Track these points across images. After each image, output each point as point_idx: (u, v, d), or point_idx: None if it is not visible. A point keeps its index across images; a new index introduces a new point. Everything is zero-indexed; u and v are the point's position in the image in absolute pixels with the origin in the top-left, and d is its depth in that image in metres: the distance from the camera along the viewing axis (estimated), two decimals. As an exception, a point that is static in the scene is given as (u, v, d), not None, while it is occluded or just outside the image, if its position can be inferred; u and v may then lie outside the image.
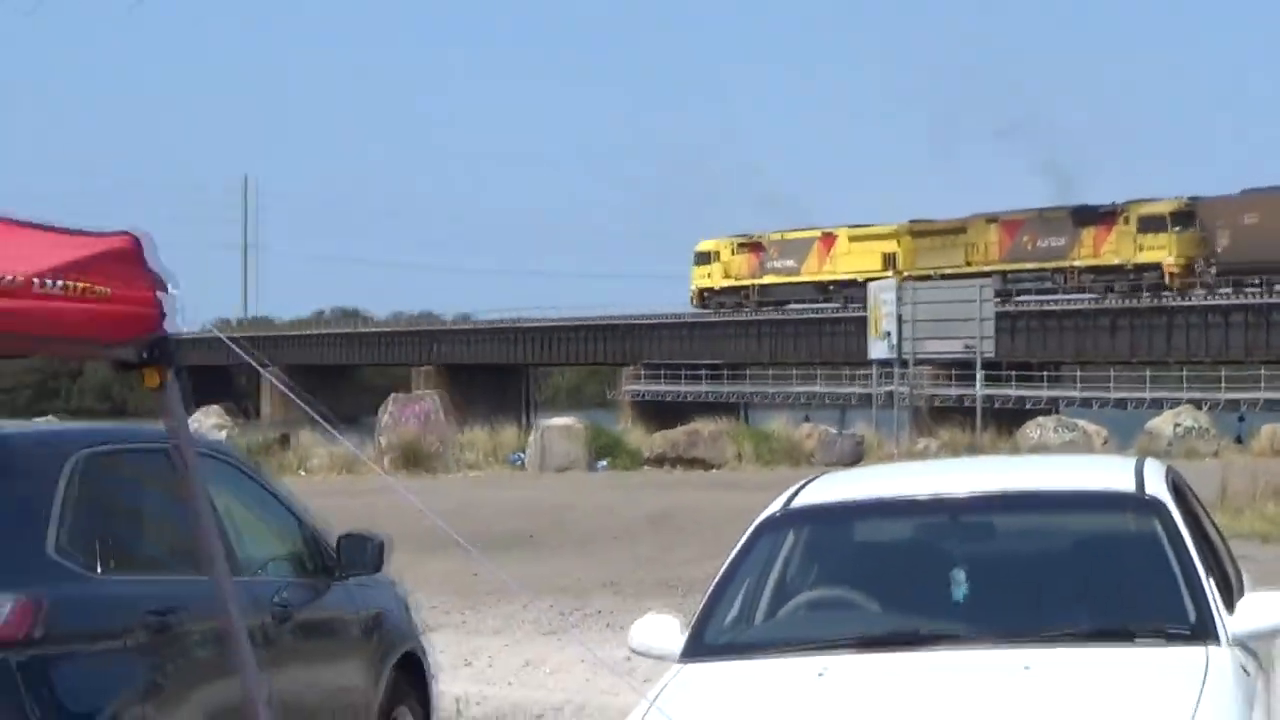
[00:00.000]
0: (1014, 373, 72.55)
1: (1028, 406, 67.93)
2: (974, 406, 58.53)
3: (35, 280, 3.16)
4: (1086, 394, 74.37)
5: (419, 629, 10.61)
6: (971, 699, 7.08)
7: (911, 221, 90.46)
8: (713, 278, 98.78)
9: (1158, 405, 63.86)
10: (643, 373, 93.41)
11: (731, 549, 8.76)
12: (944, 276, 79.40)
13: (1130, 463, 9.62)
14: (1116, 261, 74.81)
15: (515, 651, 17.64)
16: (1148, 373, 75.47)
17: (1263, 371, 69.64)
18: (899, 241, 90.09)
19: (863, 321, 63.09)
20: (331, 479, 44.42)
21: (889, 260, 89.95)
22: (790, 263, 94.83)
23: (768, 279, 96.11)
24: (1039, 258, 76.67)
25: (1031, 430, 55.80)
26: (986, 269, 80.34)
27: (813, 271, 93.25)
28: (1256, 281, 75.58)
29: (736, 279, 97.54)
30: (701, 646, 7.99)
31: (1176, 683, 7.03)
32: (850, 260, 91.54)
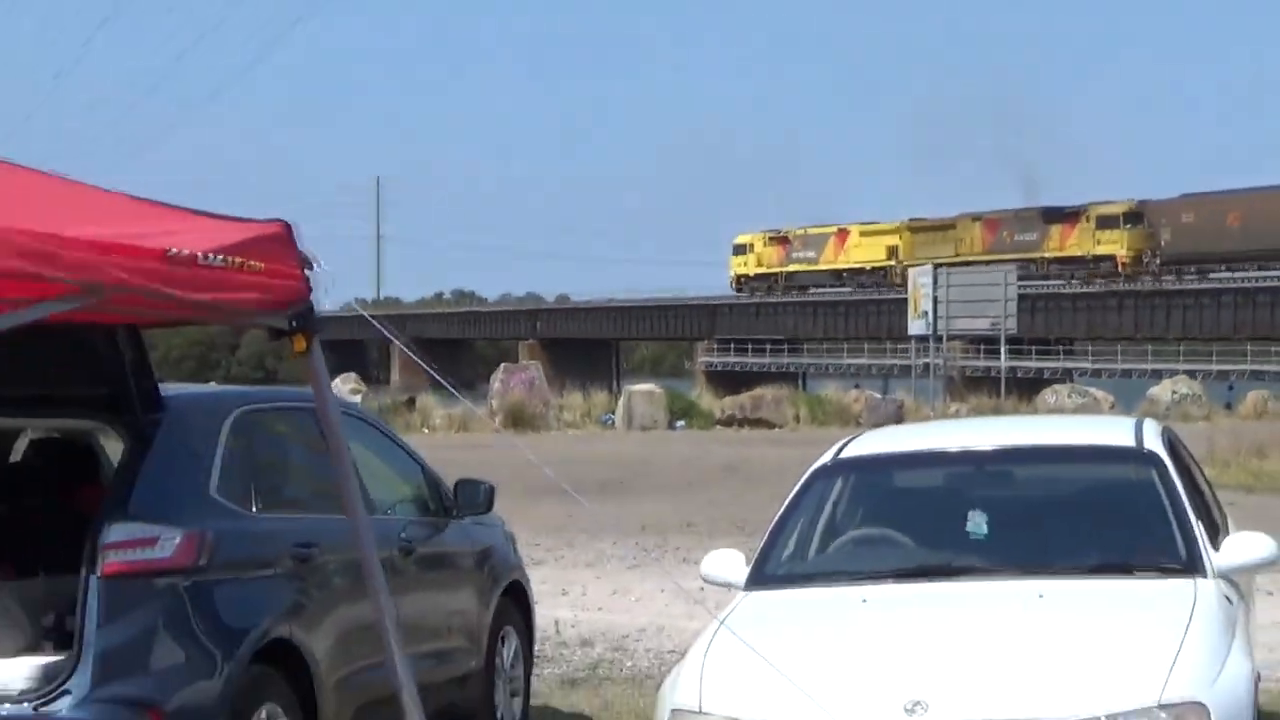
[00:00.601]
0: (1034, 347, 72.37)
1: (1045, 376, 67.58)
2: (999, 376, 58.30)
3: (199, 255, 3.19)
4: (1096, 365, 74.07)
5: (522, 562, 10.64)
6: (993, 622, 7.13)
7: (910, 220, 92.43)
8: (748, 266, 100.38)
9: (1157, 375, 63.62)
10: (715, 346, 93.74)
11: (788, 494, 8.81)
12: (938, 266, 79.56)
13: (1131, 423, 9.61)
14: (1079, 254, 76.32)
15: (605, 582, 17.68)
16: (1149, 348, 75.46)
17: (1249, 347, 69.37)
18: (900, 236, 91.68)
19: (903, 303, 63.12)
20: (449, 436, 44.55)
21: (892, 252, 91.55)
22: (811, 254, 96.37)
23: (793, 267, 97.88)
24: (1015, 250, 77.93)
25: (1048, 396, 55.80)
26: (972, 259, 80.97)
27: (829, 261, 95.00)
28: (1193, 271, 77.47)
29: (767, 267, 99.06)
30: (763, 577, 8.06)
31: (1169, 609, 7.04)
32: (860, 252, 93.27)
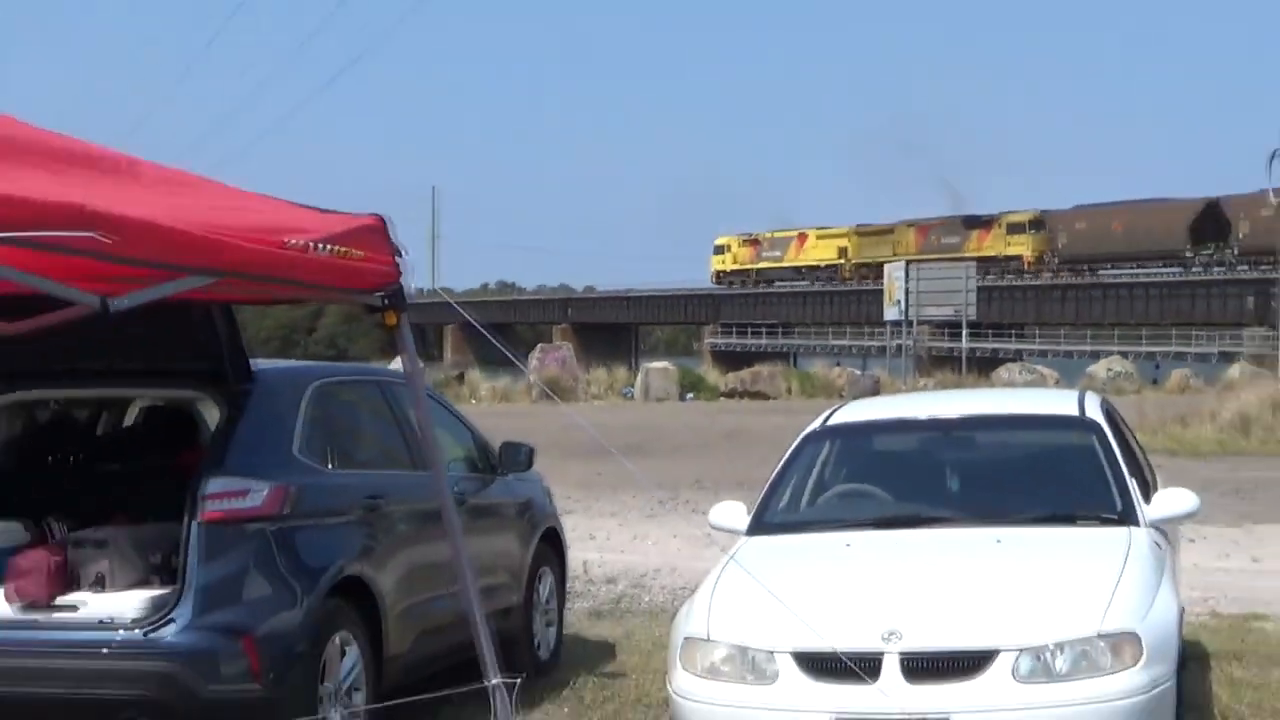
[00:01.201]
0: (990, 330, 72.29)
1: (1000, 355, 67.57)
2: (961, 355, 58.32)
3: (310, 244, 3.21)
4: (1043, 347, 74.07)
5: (557, 512, 10.66)
6: (957, 563, 7.21)
7: (857, 226, 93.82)
8: (725, 263, 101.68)
9: (1095, 355, 63.63)
10: (719, 329, 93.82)
11: (783, 455, 8.84)
12: (879, 265, 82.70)
13: (1075, 395, 9.66)
14: (993, 254, 77.90)
15: (626, 529, 17.70)
16: (1088, 332, 75.58)
17: (1173, 332, 69.40)
18: (849, 239, 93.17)
19: (879, 293, 63.36)
20: (493, 405, 44.59)
21: (842, 252, 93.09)
22: (777, 253, 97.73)
23: (762, 264, 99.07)
24: (942, 251, 79.24)
25: (1003, 372, 55.84)
26: (907, 259, 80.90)
27: (792, 259, 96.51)
28: (1089, 270, 79.37)
29: (742, 264, 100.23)
30: (761, 525, 8.09)
31: (1107, 553, 7.08)
32: (816, 251, 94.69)
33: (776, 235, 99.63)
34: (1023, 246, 79.22)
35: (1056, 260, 79.69)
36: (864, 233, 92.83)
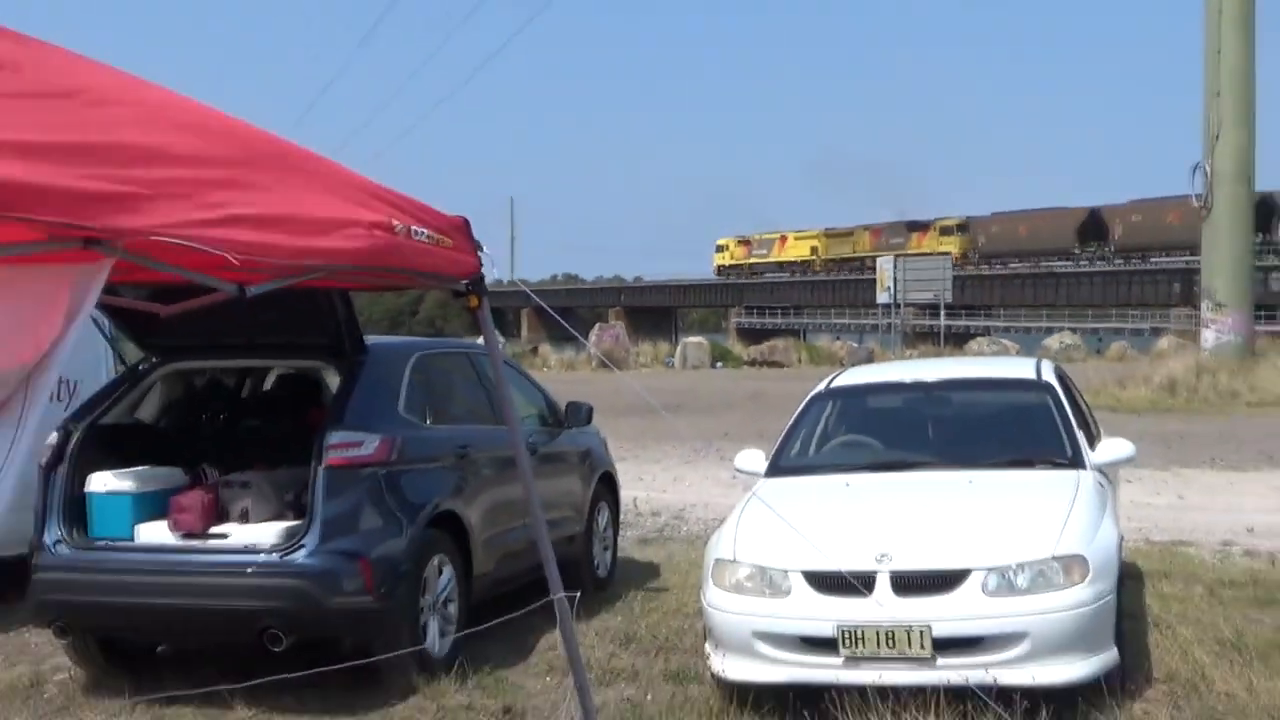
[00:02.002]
0: (963, 311, 71.93)
1: (971, 331, 67.14)
2: (939, 331, 58.02)
3: (413, 229, 3.19)
4: (1006, 324, 73.56)
5: (611, 458, 10.66)
6: (936, 499, 7.21)
7: (826, 229, 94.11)
8: (725, 259, 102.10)
9: (1049, 331, 63.51)
10: (743, 311, 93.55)
11: (794, 412, 8.82)
12: (842, 261, 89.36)
13: (1033, 362, 9.58)
14: (929, 251, 78.02)
15: (667, 472, 17.71)
16: (1044, 312, 75.07)
17: (1113, 312, 69.13)
18: (819, 240, 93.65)
19: (873, 282, 63.35)
20: (560, 373, 44.65)
21: (814, 250, 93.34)
22: (764, 251, 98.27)
23: (752, 260, 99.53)
24: (890, 249, 79.95)
25: (973, 345, 55.91)
26: (863, 256, 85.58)
27: (775, 256, 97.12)
28: (1001, 264, 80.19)
29: (737, 260, 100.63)
30: (777, 468, 8.09)
31: (1060, 491, 7.05)
32: (794, 250, 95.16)
33: (764, 236, 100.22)
34: (952, 245, 79.56)
35: (977, 256, 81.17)
36: (831, 235, 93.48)
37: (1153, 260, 70.01)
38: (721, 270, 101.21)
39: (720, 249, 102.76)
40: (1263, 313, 42.33)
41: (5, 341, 2.66)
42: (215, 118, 2.78)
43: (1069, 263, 74.16)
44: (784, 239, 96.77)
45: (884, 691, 6.18)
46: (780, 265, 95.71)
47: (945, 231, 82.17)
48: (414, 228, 3.20)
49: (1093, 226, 74.31)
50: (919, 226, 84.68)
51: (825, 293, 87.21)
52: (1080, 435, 7.90)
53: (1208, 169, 30.91)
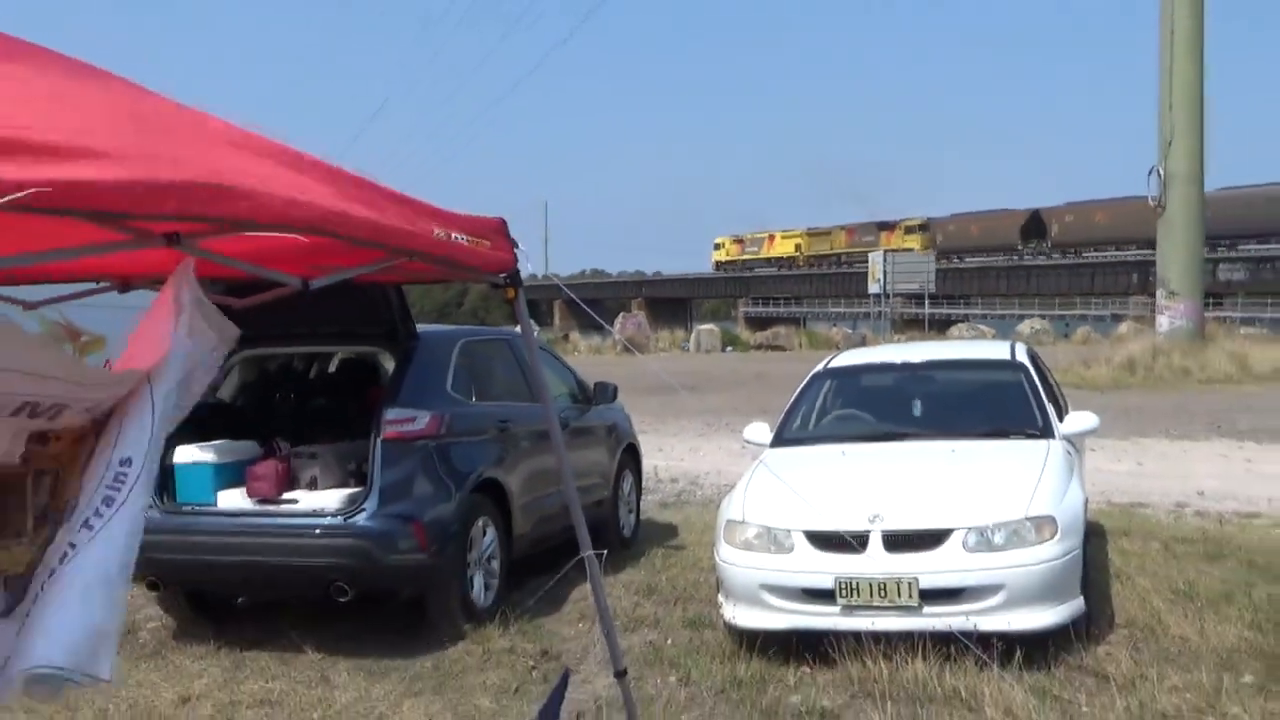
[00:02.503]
0: (945, 300, 71.55)
1: (952, 318, 66.77)
2: (924, 318, 57.89)
3: (453, 235, 3.18)
4: (983, 312, 73.09)
5: (635, 431, 10.65)
6: (922, 466, 7.17)
7: (808, 228, 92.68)
8: (721, 256, 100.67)
9: (1021, 318, 63.26)
10: (750, 301, 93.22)
11: (796, 390, 8.80)
12: (822, 257, 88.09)
13: (1008, 344, 9.54)
14: (895, 248, 77.58)
15: (684, 444, 17.69)
16: (1017, 301, 74.68)
17: (1078, 300, 68.71)
18: (802, 238, 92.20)
19: (858, 275, 63.35)
20: (589, 357, 44.61)
21: (798, 247, 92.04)
22: (755, 249, 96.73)
23: (745, 257, 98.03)
24: (863, 246, 79.94)
25: (954, 330, 55.60)
26: (840, 252, 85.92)
27: (765, 253, 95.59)
28: (958, 258, 79.27)
29: (732, 257, 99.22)
30: (781, 439, 8.07)
31: (1032, 458, 7.03)
32: (780, 247, 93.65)
33: (756, 235, 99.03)
34: (914, 243, 79.10)
35: (935, 253, 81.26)
36: (812, 233, 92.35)
37: (1087, 255, 70.62)
38: (719, 265, 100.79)
39: (718, 246, 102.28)
40: (1211, 300, 42.04)
41: (142, 351, 2.69)
42: (277, 147, 2.82)
43: (1043, 257, 73.88)
44: (772, 237, 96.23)
45: (876, 636, 6.21)
46: (769, 260, 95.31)
47: (909, 230, 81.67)
48: (454, 234, 3.19)
49: (1034, 226, 74.61)
50: (887, 226, 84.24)
51: (823, 284, 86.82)
52: (1050, 409, 7.87)
53: (1162, 172, 31.02)
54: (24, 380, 2.54)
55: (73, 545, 2.77)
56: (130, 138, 2.24)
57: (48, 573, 2.78)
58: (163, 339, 2.73)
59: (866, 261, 77.23)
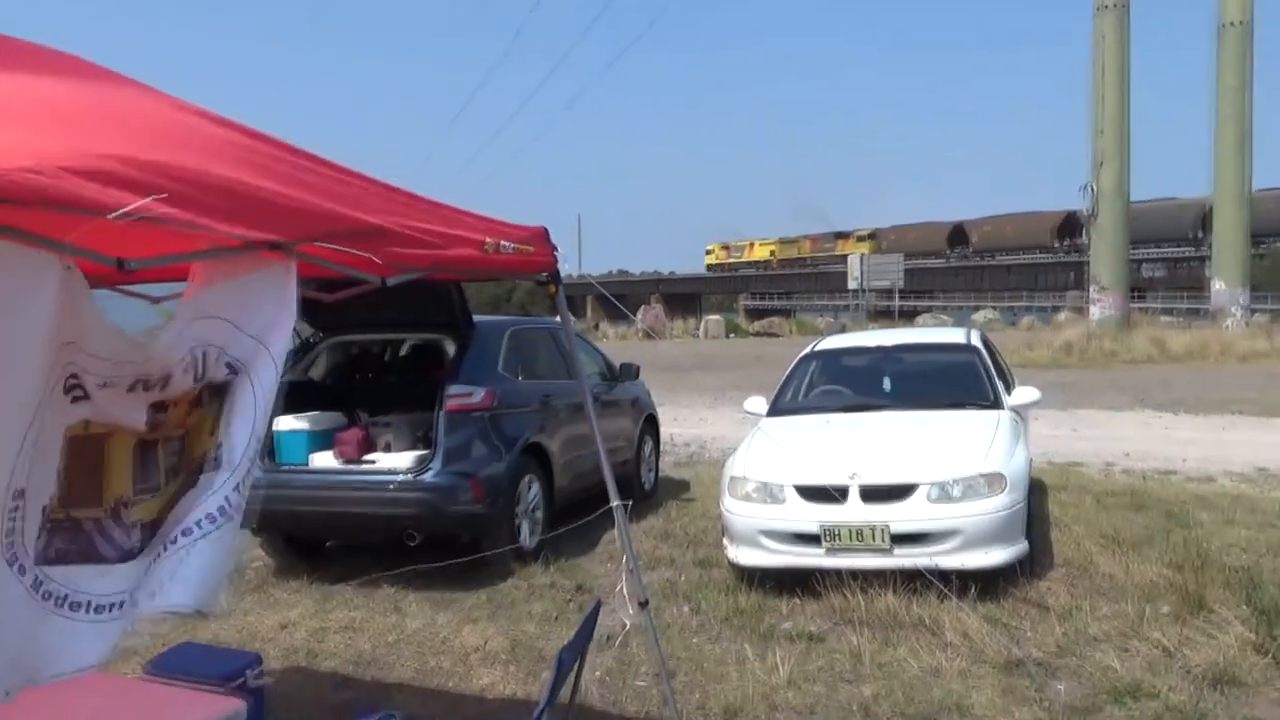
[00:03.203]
0: (912, 294, 70.93)
1: (918, 309, 66.38)
2: (894, 309, 57.69)
3: (501, 244, 3.19)
4: (944, 304, 72.28)
5: (654, 404, 10.65)
6: (893, 432, 7.13)
7: (780, 238, 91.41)
8: (712, 259, 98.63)
9: (976, 309, 62.81)
10: (749, 295, 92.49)
11: (787, 369, 8.78)
12: (791, 260, 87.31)
13: (963, 330, 9.48)
14: (850, 253, 77.04)
15: (694, 414, 17.68)
16: (972, 295, 74.11)
17: (1023, 293, 68.17)
18: (775, 246, 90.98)
19: (841, 274, 62.99)
20: (618, 342, 44.50)
21: (772, 253, 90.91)
22: (738, 254, 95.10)
23: (730, 260, 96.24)
24: (825, 252, 80.00)
25: (920, 319, 55.38)
26: (806, 257, 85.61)
27: (745, 258, 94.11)
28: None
29: (720, 261, 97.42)
30: (775, 410, 8.05)
31: (985, 425, 6.99)
32: (757, 253, 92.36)
33: (739, 243, 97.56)
34: (865, 248, 78.48)
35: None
36: (783, 242, 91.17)
37: (1000, 258, 71.12)
38: (710, 268, 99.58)
39: (709, 252, 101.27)
40: (1135, 294, 41.69)
41: (282, 319, 2.73)
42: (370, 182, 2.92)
43: (1010, 256, 73.22)
44: (751, 245, 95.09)
45: (855, 573, 6.21)
46: (750, 263, 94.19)
47: (860, 239, 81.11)
48: (502, 243, 3.20)
49: (958, 235, 74.88)
50: (843, 235, 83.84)
51: (809, 282, 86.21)
52: (999, 384, 7.83)
53: (1094, 188, 30.89)
54: (119, 366, 2.55)
55: (229, 502, 2.78)
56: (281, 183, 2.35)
57: (194, 522, 2.78)
58: (287, 324, 2.75)
59: (829, 264, 77.90)
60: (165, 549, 2.78)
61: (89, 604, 2.64)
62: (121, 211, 1.93)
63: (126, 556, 2.70)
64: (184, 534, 2.78)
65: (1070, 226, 64.90)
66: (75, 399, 2.52)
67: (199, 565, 2.75)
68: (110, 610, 2.69)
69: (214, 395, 2.82)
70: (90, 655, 2.66)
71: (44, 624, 2.53)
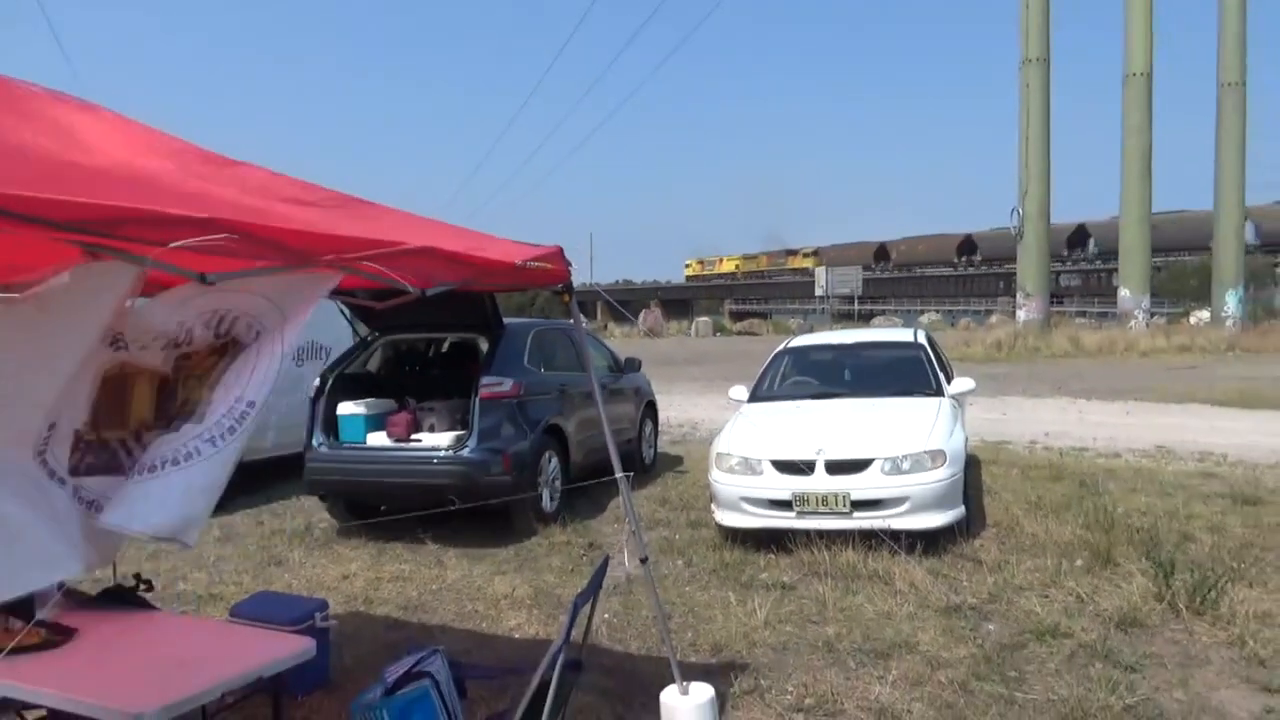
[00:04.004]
0: (870, 299, 70.83)
1: (874, 313, 66.20)
2: (855, 313, 57.50)
3: (523, 262, 3.18)
4: (895, 308, 72.02)
5: (653, 391, 10.61)
6: (853, 415, 7.05)
7: (743, 254, 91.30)
8: (690, 272, 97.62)
9: (922, 312, 62.65)
10: (734, 300, 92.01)
11: (764, 363, 8.73)
12: (751, 273, 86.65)
13: (911, 330, 9.43)
14: (797, 267, 77.15)
15: (686, 401, 17.62)
16: (919, 301, 73.86)
17: (961, 300, 67.97)
18: (739, 261, 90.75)
19: (811, 283, 62.66)
20: (623, 340, 44.38)
21: (736, 266, 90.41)
22: (710, 268, 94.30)
23: (705, 272, 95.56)
24: (777, 266, 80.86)
25: (876, 321, 55.11)
26: (764, 270, 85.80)
27: (715, 270, 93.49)
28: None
29: (696, 274, 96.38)
30: (755, 397, 8.00)
31: (928, 410, 6.93)
32: (726, 266, 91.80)
33: (709, 259, 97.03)
34: (809, 263, 78.24)
35: (826, 270, 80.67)
36: (745, 257, 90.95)
37: (917, 271, 71.01)
38: (689, 279, 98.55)
39: (687, 265, 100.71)
40: (1055, 299, 41.57)
41: (306, 302, 2.72)
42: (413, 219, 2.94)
43: (946, 268, 72.75)
44: (721, 260, 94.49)
45: (821, 533, 6.20)
46: (720, 275, 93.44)
47: (807, 255, 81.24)
48: (528, 261, 3.19)
49: (881, 253, 74.84)
50: (793, 252, 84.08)
51: (782, 289, 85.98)
52: (941, 375, 7.78)
53: (1020, 211, 30.85)
54: (155, 338, 2.62)
55: (198, 451, 2.72)
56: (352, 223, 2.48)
57: (170, 459, 2.74)
58: (307, 309, 2.72)
59: (781, 275, 78.56)
60: (140, 476, 2.75)
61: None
62: (181, 244, 1.99)
63: (142, 470, 2.76)
64: (149, 470, 2.74)
65: (969, 246, 65.41)
66: (116, 349, 2.61)
67: (173, 499, 2.70)
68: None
69: (232, 352, 2.80)
70: (111, 548, 2.81)
71: (87, 521, 2.67)
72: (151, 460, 2.74)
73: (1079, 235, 62.68)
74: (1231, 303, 31.89)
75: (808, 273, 78.59)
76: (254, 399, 2.73)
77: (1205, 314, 34.01)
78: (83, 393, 2.60)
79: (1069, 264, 59.21)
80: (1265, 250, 45.10)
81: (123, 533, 2.75)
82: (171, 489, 2.69)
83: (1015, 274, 32.92)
